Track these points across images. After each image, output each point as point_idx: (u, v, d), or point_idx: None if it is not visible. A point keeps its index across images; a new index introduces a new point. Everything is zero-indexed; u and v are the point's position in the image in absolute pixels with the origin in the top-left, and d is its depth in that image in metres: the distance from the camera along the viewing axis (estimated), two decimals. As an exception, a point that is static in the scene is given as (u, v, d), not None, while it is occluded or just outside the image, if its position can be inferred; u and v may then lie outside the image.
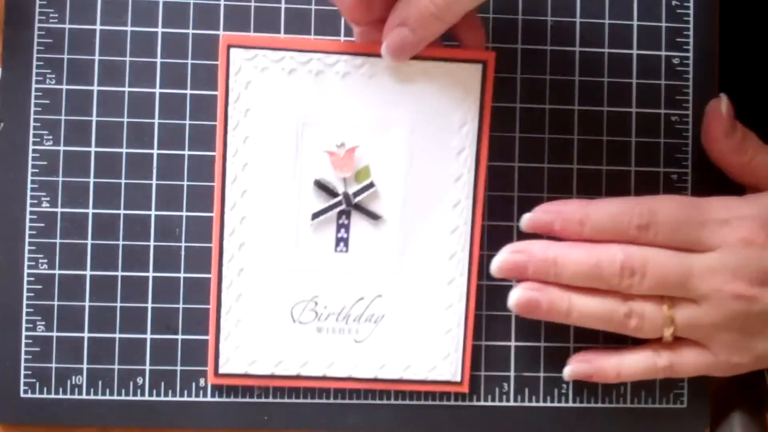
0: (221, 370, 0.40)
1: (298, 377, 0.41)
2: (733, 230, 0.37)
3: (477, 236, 0.41)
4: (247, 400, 0.41)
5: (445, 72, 0.39)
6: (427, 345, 0.41)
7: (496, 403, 0.42)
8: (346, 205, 0.40)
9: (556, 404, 0.42)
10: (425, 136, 0.40)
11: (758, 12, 0.47)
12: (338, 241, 0.40)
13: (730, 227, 0.38)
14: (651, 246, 0.38)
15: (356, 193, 0.40)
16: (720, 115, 0.40)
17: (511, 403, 0.42)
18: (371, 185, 0.40)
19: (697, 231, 0.38)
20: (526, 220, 0.39)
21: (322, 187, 0.40)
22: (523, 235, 0.40)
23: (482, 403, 0.42)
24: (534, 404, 0.42)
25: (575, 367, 0.40)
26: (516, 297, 0.39)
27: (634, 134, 0.43)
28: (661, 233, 0.38)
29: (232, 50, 0.39)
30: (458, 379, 0.41)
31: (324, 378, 0.41)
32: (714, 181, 0.42)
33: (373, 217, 0.40)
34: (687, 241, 0.38)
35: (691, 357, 0.39)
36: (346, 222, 0.40)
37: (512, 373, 0.42)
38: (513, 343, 0.42)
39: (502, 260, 0.39)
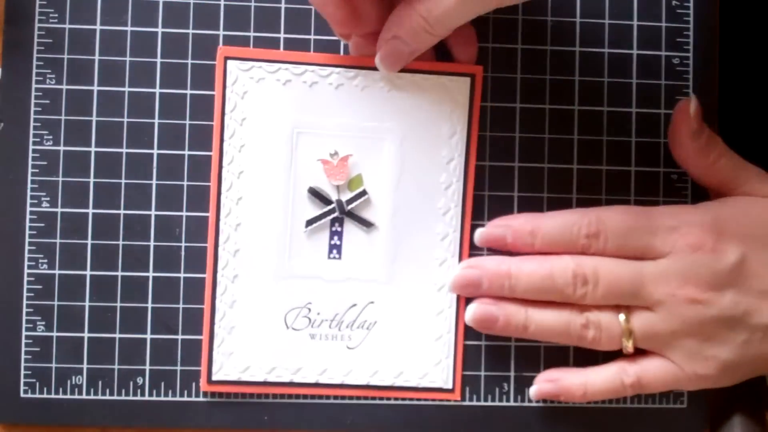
0: (214, 377, 0.40)
1: (291, 384, 0.41)
2: (682, 236, 0.38)
3: (466, 243, 0.41)
4: (247, 400, 0.41)
5: (435, 84, 0.41)
6: (418, 351, 0.41)
7: (496, 403, 0.42)
8: (339, 213, 0.40)
9: (556, 404, 0.42)
10: (416, 146, 0.41)
11: (758, 12, 0.47)
12: (331, 248, 0.41)
13: (679, 233, 0.38)
14: (602, 255, 0.38)
15: (349, 201, 0.41)
16: (687, 116, 0.39)
17: (511, 403, 0.42)
18: (364, 193, 0.41)
19: (646, 238, 0.38)
20: (479, 235, 0.40)
21: (316, 194, 0.40)
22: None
23: (482, 403, 0.42)
24: (534, 404, 0.42)
25: (541, 387, 0.41)
26: (472, 312, 0.40)
27: (634, 134, 0.43)
28: (611, 241, 0.38)
29: (229, 62, 0.40)
30: (450, 386, 0.41)
31: (317, 385, 0.41)
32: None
33: (366, 224, 0.41)
34: (637, 249, 0.38)
35: (658, 371, 0.39)
36: (339, 229, 0.41)
37: (512, 373, 0.42)
38: (513, 343, 0.42)
39: (456, 276, 0.40)
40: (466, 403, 0.42)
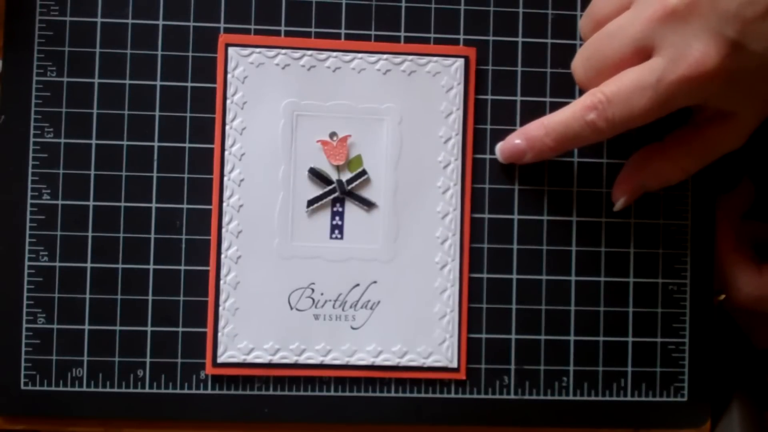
0: (219, 360, 0.41)
1: (296, 365, 0.41)
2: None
3: (467, 222, 0.42)
4: (248, 392, 0.41)
5: (431, 66, 0.41)
6: (423, 331, 0.41)
7: (497, 396, 0.42)
8: (340, 193, 0.41)
9: (556, 397, 0.42)
10: (414, 126, 0.41)
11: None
12: (333, 228, 0.41)
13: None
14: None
15: (349, 181, 0.41)
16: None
17: (512, 396, 0.42)
18: (364, 173, 0.41)
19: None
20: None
21: (317, 175, 0.41)
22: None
23: (483, 395, 0.42)
24: (534, 397, 0.42)
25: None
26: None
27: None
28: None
29: (230, 48, 0.41)
30: (455, 365, 0.41)
31: (322, 366, 0.41)
32: (715, 175, 0.43)
33: (367, 204, 0.41)
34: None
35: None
36: (340, 209, 0.41)
37: (513, 366, 0.42)
38: (513, 336, 0.42)
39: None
40: (467, 395, 0.42)
